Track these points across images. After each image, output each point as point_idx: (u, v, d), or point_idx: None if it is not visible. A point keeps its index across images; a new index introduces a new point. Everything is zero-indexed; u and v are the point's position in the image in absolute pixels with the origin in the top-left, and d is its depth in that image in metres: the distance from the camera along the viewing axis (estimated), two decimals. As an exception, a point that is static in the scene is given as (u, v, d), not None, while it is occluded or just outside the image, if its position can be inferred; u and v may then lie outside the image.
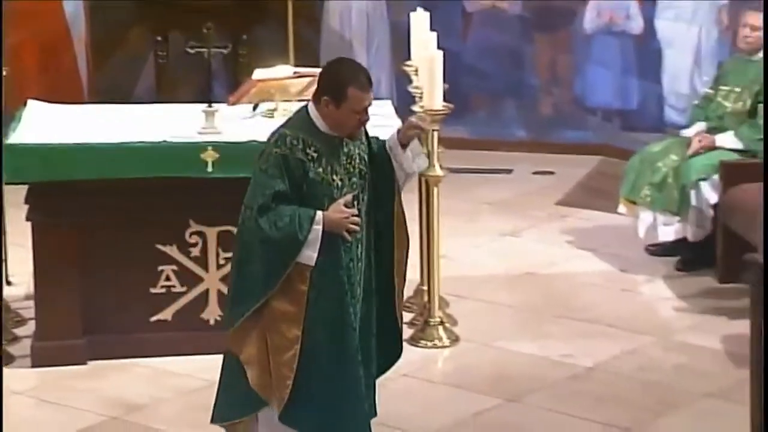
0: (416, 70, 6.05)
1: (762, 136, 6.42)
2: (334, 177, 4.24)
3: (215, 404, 4.41)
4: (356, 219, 4.25)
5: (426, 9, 6.21)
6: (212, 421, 4.42)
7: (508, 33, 8.34)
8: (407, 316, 6.09)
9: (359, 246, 4.31)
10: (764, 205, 5.83)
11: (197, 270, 5.68)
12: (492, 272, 6.60)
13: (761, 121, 6.44)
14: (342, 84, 4.20)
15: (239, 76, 7.61)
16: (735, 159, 6.41)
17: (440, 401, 5.41)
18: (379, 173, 4.35)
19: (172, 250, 5.63)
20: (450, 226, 6.48)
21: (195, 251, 5.66)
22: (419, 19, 6.09)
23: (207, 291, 5.71)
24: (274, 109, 5.96)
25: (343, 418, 4.27)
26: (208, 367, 5.47)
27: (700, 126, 6.63)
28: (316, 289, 4.22)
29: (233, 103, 5.93)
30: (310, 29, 8.50)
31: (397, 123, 5.90)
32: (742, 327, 5.25)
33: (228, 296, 4.37)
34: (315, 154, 4.21)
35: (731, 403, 5.15)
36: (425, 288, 6.05)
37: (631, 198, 6.70)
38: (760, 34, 6.45)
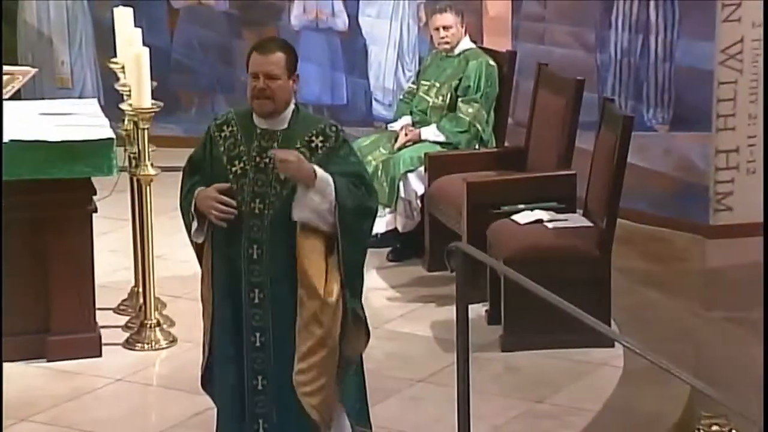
0: (123, 68, 5.97)
1: (462, 129, 6.66)
2: (235, 163, 4.19)
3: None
4: (222, 207, 4.16)
5: (129, 5, 6.13)
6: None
7: (216, 29, 8.33)
8: (122, 319, 6.01)
9: (253, 246, 4.19)
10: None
11: None
12: (208, 270, 6.57)
13: (461, 114, 6.67)
14: (249, 51, 4.23)
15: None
16: (438, 151, 6.62)
17: (156, 404, 5.37)
18: None
19: None
20: (164, 226, 6.41)
21: None
22: (123, 15, 6.00)
23: None
24: (-30, 110, 5.75)
25: (216, 394, 4.39)
26: None
27: (406, 120, 6.81)
28: (214, 268, 4.29)
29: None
30: (5, 25, 8.23)
31: (105, 122, 5.83)
32: (449, 313, 5.42)
33: None
34: (228, 134, 4.21)
35: (440, 386, 5.31)
36: (140, 289, 5.97)
37: (343, 192, 6.80)
38: (453, 31, 6.68)
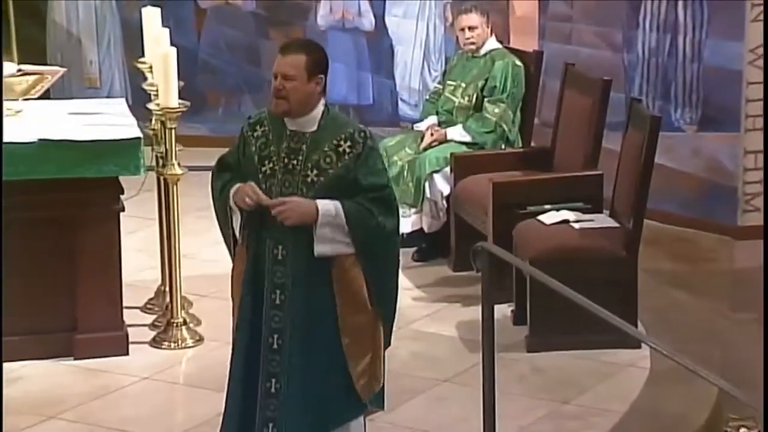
0: (150, 68, 5.99)
1: (488, 129, 6.65)
2: (266, 163, 4.20)
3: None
4: (251, 195, 4.15)
5: (157, 5, 6.15)
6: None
7: (243, 29, 8.35)
8: (148, 318, 6.04)
9: (278, 247, 4.20)
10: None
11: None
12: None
13: (487, 115, 6.66)
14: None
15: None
16: (464, 151, 6.61)
17: (183, 402, 5.38)
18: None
19: None
20: (190, 225, 6.44)
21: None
22: (151, 15, 6.02)
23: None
24: (-2, 109, 5.78)
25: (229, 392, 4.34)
26: None
27: (432, 120, 6.80)
28: (246, 268, 4.28)
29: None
30: (34, 25, 8.28)
31: (132, 121, 5.85)
32: (475, 313, 5.41)
33: None
34: (260, 134, 4.22)
35: (465, 386, 5.31)
36: (166, 288, 5.99)
37: (369, 192, 6.80)
38: (479, 32, 6.68)
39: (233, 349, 4.37)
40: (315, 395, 4.25)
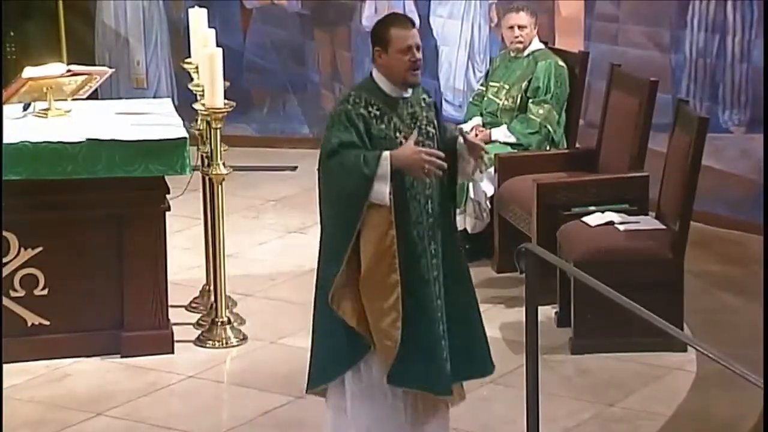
0: (196, 68, 6.02)
1: (533, 130, 6.63)
2: (398, 134, 4.36)
3: (309, 373, 4.51)
4: (437, 161, 4.27)
5: (203, 6, 6.18)
6: (306, 389, 4.51)
7: (288, 29, 8.37)
8: (193, 317, 6.08)
9: (429, 202, 4.39)
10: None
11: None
12: (278, 269, 6.61)
13: (531, 116, 6.64)
14: (383, 28, 4.36)
15: (7, 74, 7.43)
16: (509, 152, 6.59)
17: (228, 401, 5.40)
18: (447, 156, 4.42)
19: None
20: (235, 224, 6.46)
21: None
22: (197, 16, 6.06)
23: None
24: (48, 109, 5.83)
25: (436, 371, 4.42)
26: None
27: (477, 121, 6.79)
28: (399, 230, 4.33)
29: (2, 103, 5.77)
30: (83, 26, 8.35)
31: (178, 121, 5.89)
32: (519, 315, 5.40)
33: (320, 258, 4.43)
34: (377, 112, 4.33)
35: (509, 388, 5.29)
36: (211, 288, 6.02)
37: (414, 192, 6.81)
38: (527, 31, 6.66)
39: (410, 319, 4.38)
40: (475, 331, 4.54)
